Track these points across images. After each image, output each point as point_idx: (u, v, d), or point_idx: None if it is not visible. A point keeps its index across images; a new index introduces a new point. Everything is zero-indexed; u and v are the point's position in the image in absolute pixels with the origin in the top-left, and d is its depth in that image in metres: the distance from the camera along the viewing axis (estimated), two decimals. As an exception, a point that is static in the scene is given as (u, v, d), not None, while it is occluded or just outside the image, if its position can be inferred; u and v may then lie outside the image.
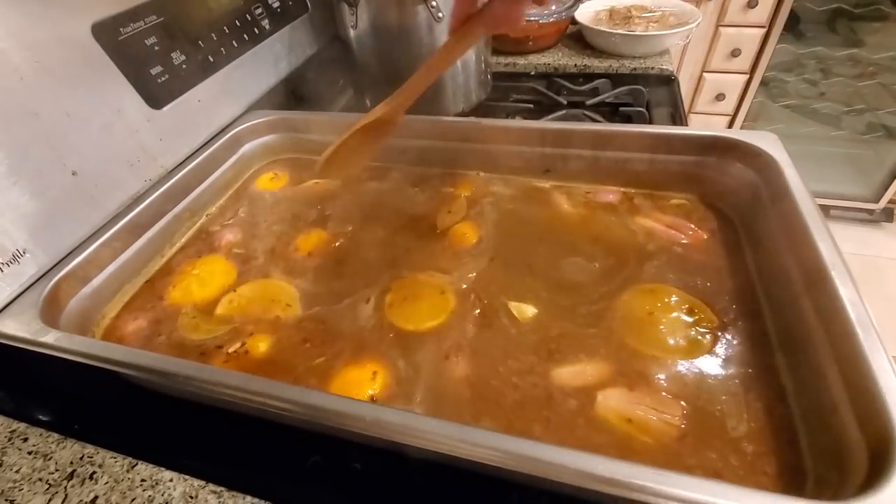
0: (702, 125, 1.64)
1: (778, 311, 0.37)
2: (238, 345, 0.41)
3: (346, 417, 0.28)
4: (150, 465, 0.36)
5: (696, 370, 0.35)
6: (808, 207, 0.36)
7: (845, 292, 0.30)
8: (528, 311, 0.41)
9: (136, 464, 0.36)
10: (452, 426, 0.27)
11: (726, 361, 0.36)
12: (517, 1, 0.37)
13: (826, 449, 0.28)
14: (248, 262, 0.49)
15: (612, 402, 0.34)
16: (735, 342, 0.37)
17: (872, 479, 0.24)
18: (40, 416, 0.40)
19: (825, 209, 1.79)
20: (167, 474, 0.35)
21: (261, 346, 0.41)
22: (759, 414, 0.32)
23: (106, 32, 0.46)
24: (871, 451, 0.25)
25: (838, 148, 1.76)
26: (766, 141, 0.43)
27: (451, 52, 0.42)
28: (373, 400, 0.37)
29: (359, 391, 0.38)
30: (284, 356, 0.40)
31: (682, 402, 0.33)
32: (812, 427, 0.30)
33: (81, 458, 0.37)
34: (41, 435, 0.38)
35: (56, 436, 0.38)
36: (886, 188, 1.66)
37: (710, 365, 0.36)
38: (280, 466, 0.36)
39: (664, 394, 0.34)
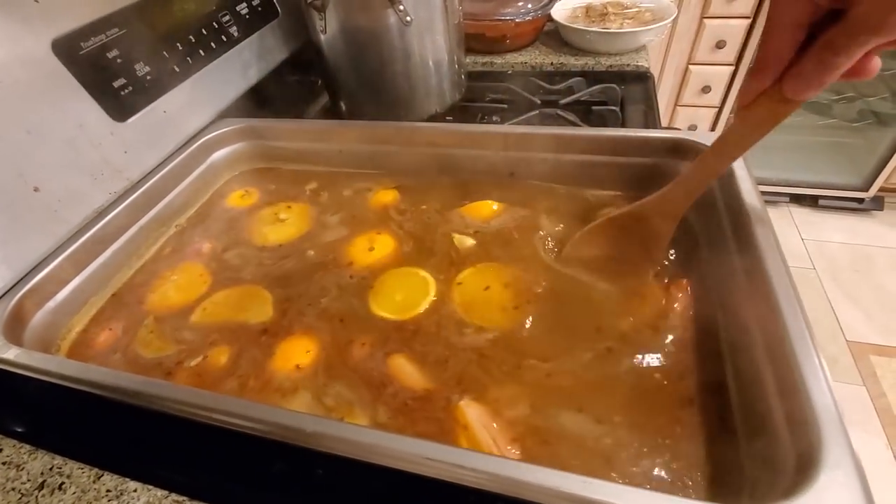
0: (686, 121, 1.64)
1: (727, 314, 0.37)
2: (200, 357, 0.42)
3: (291, 431, 0.29)
4: (116, 476, 0.36)
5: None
6: (754, 208, 0.36)
7: (782, 296, 0.31)
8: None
9: (102, 474, 0.37)
10: (411, 442, 0.28)
11: (681, 366, 0.36)
12: (838, 56, 0.26)
13: (761, 449, 0.29)
14: (220, 273, 0.50)
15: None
16: (688, 348, 0.37)
17: (797, 485, 0.24)
18: (15, 428, 0.41)
19: (814, 199, 1.79)
20: (132, 484, 0.36)
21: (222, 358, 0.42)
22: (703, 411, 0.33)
23: (66, 48, 0.46)
24: (799, 456, 0.26)
25: (828, 137, 1.76)
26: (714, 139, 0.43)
27: (746, 137, 0.33)
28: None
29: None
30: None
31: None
32: (750, 428, 0.31)
33: (51, 469, 0.37)
34: (14, 446, 0.39)
35: (28, 447, 0.39)
36: (876, 176, 1.66)
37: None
38: (243, 473, 0.37)
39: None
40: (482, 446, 0.33)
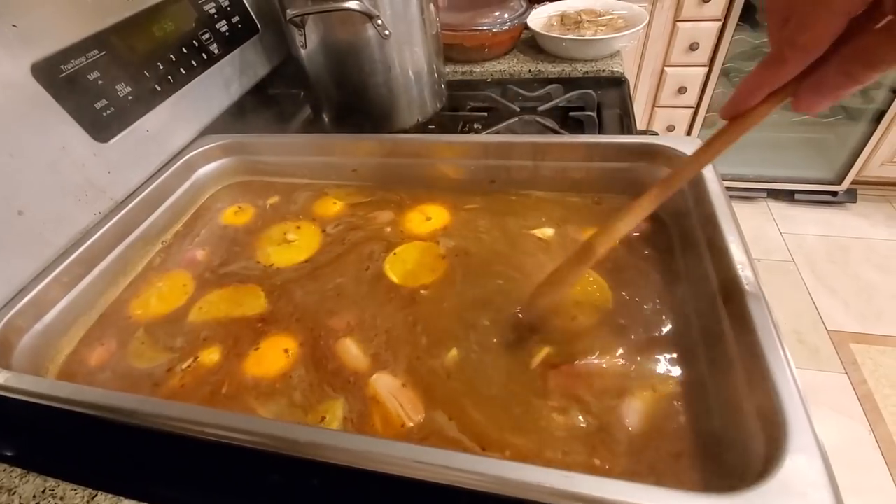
0: (664, 122, 1.68)
1: (701, 307, 0.39)
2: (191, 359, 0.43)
3: (285, 442, 0.30)
4: (110, 496, 0.37)
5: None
6: (722, 210, 0.38)
7: (750, 294, 0.32)
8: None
9: (96, 495, 0.37)
10: (402, 447, 0.28)
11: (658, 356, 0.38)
12: (865, 68, 0.23)
13: (734, 437, 0.30)
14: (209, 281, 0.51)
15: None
16: (665, 341, 0.39)
17: (767, 470, 0.26)
18: (4, 452, 0.41)
19: (790, 193, 1.84)
20: (126, 503, 0.36)
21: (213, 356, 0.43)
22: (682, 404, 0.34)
23: (46, 71, 0.46)
24: (767, 443, 0.27)
25: (801, 133, 1.81)
26: (689, 145, 0.45)
27: (729, 140, 0.30)
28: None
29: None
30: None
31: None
32: (725, 418, 0.32)
33: (43, 492, 0.38)
34: (4, 470, 0.39)
35: (19, 470, 0.39)
36: (849, 170, 1.71)
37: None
38: (238, 487, 0.37)
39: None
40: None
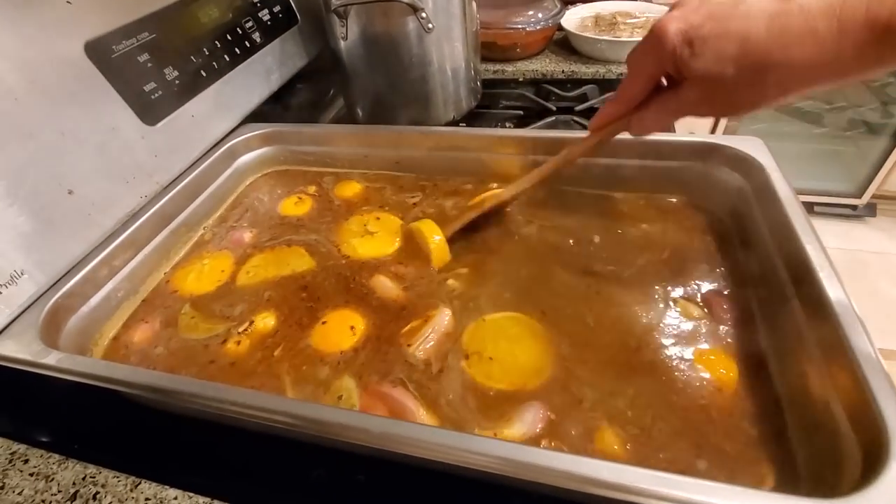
0: (688, 130, 1.67)
1: (768, 312, 0.38)
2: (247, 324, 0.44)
3: (349, 430, 0.28)
4: (154, 484, 0.36)
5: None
6: (794, 209, 0.37)
7: (832, 292, 0.31)
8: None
9: (140, 482, 0.36)
10: (453, 435, 0.27)
11: (716, 363, 0.37)
12: (669, 114, 0.36)
13: (819, 448, 0.29)
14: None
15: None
16: (726, 342, 0.38)
17: (867, 475, 0.25)
18: (40, 437, 0.40)
19: (809, 205, 1.83)
20: (172, 492, 0.35)
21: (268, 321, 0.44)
22: (749, 416, 0.33)
23: (99, 50, 0.46)
24: (864, 448, 0.26)
25: (821, 145, 1.80)
26: (751, 145, 0.44)
27: (587, 150, 0.43)
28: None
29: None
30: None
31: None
32: (805, 427, 0.31)
33: (84, 479, 0.37)
34: (42, 456, 0.38)
35: (57, 456, 0.38)
36: (869, 183, 1.70)
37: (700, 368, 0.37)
38: (284, 480, 0.36)
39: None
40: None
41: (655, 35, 0.31)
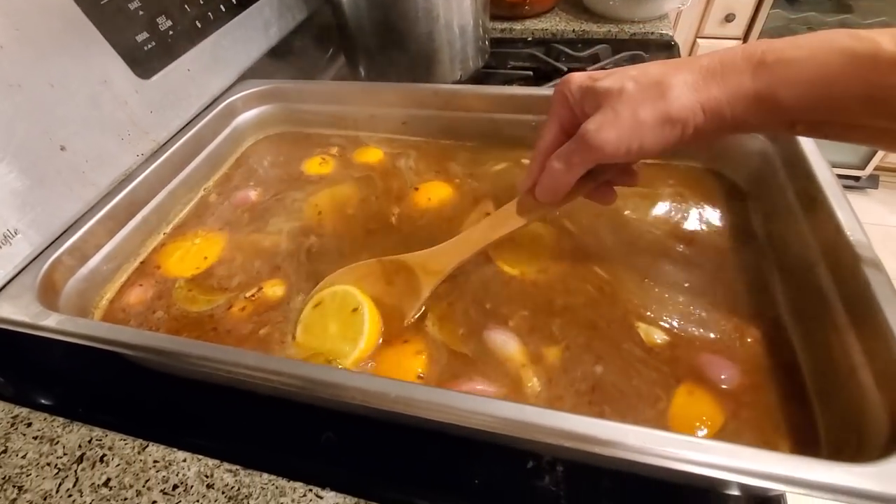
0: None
1: (790, 279, 0.37)
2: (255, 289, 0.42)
3: (362, 393, 0.27)
4: (163, 447, 0.35)
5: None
6: (824, 175, 0.36)
7: (865, 259, 0.30)
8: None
9: (148, 445, 0.36)
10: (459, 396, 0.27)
11: (735, 330, 0.36)
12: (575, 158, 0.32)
13: (842, 412, 0.29)
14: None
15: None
16: (744, 314, 0.37)
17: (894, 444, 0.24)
18: (43, 401, 0.39)
19: (813, 176, 1.81)
20: (180, 454, 0.35)
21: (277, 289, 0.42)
22: (771, 380, 0.33)
23: (87, -4, 0.43)
24: (893, 413, 0.26)
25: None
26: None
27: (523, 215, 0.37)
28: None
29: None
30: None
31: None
32: (827, 393, 0.30)
33: (90, 442, 0.36)
34: (45, 419, 0.38)
35: (61, 420, 0.38)
36: (873, 155, 1.68)
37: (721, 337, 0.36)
38: (294, 442, 0.36)
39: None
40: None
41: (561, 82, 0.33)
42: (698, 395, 0.32)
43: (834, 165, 1.73)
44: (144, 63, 0.47)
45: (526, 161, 0.51)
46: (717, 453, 0.23)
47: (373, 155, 0.56)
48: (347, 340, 0.37)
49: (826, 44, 0.26)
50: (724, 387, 0.32)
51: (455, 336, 0.38)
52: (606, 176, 0.36)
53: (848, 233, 0.32)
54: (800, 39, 0.27)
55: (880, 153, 1.66)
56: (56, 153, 0.40)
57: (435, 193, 0.50)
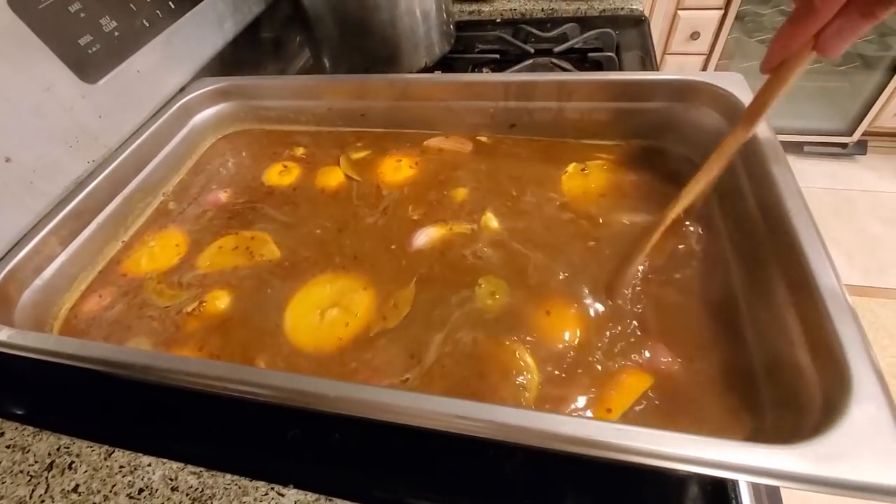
0: (676, 68, 1.61)
1: (742, 257, 0.37)
2: (196, 304, 0.42)
3: (308, 397, 0.28)
4: (128, 452, 0.36)
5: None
6: (772, 150, 0.35)
7: (806, 237, 0.30)
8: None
9: (113, 451, 0.36)
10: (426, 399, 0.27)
11: (689, 308, 0.36)
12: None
13: (784, 392, 0.29)
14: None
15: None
16: (700, 288, 0.37)
17: (827, 420, 0.24)
18: (14, 410, 0.39)
19: (799, 145, 1.80)
20: (145, 459, 0.35)
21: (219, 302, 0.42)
22: (718, 359, 0.33)
23: (24, 2, 0.41)
24: (826, 392, 0.26)
25: (814, 81, 1.74)
26: (731, 82, 0.41)
27: (774, 92, 0.32)
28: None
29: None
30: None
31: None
32: (770, 372, 0.31)
33: (58, 449, 0.37)
34: (17, 429, 0.38)
35: (31, 429, 0.38)
36: (861, 120, 1.66)
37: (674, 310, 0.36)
38: (259, 442, 0.36)
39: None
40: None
41: None
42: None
43: (819, 133, 1.72)
44: (89, 67, 0.46)
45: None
46: (638, 439, 0.23)
47: (334, 178, 0.53)
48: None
49: None
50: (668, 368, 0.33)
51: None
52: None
53: (790, 211, 0.31)
54: None
55: (869, 117, 1.64)
56: (1, 165, 0.40)
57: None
